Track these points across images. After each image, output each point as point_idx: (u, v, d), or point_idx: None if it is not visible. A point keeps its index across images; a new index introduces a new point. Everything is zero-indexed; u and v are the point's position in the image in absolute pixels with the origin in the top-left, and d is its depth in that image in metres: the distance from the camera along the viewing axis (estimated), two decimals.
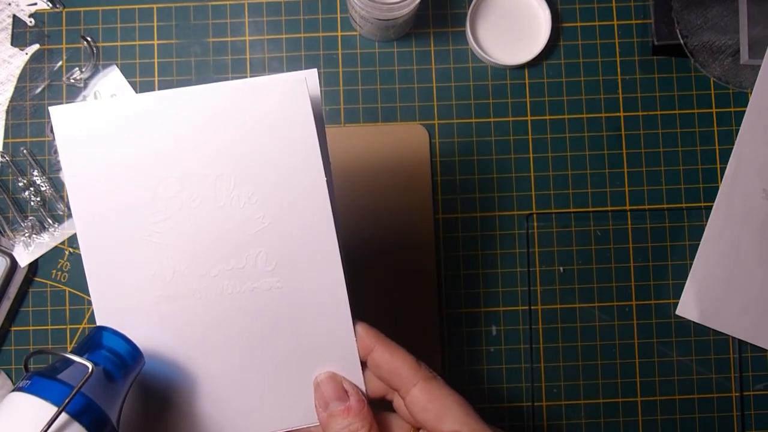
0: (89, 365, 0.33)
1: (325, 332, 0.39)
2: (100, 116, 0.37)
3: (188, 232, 0.38)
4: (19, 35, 0.58)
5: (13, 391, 0.33)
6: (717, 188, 0.57)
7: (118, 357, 0.36)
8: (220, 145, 0.38)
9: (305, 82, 0.37)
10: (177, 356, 0.39)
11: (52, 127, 0.57)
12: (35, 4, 0.59)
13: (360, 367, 0.40)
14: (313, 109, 0.38)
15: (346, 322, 0.39)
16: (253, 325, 0.39)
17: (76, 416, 0.32)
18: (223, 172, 0.38)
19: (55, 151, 0.57)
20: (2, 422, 0.32)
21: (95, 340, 0.36)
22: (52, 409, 0.31)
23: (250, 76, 0.58)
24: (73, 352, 0.34)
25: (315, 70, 0.39)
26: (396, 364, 0.39)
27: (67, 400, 0.32)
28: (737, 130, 0.57)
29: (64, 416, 0.32)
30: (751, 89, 0.58)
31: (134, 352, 0.36)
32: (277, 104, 0.37)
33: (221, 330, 0.39)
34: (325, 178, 0.38)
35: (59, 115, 0.37)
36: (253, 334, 0.39)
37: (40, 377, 0.33)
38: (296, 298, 0.39)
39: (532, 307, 0.57)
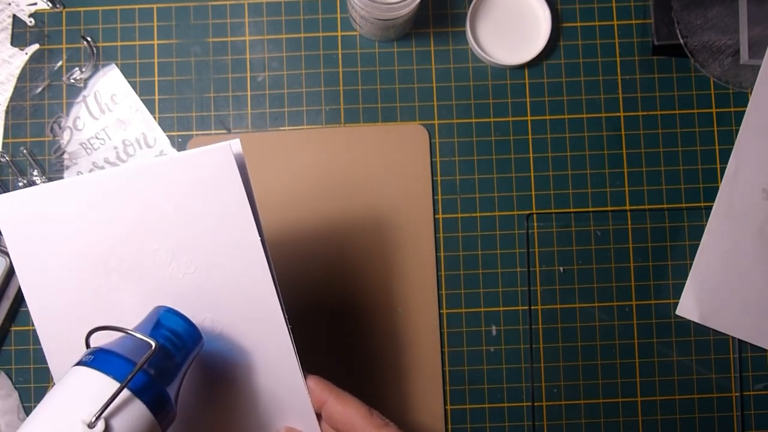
0: (152, 342, 0.33)
1: (278, 389, 0.40)
2: (39, 202, 0.38)
3: (134, 305, 0.39)
4: (19, 35, 0.58)
5: (76, 365, 0.32)
6: (717, 188, 0.57)
7: (178, 336, 0.36)
8: (155, 220, 0.39)
9: (230, 149, 0.38)
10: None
11: (52, 127, 0.58)
12: (35, 4, 0.59)
13: (316, 420, 0.41)
14: (240, 175, 0.39)
15: (297, 377, 0.40)
16: (207, 387, 0.40)
17: (138, 393, 0.32)
18: (159, 246, 0.39)
19: (55, 151, 0.57)
20: (64, 395, 0.31)
21: (155, 320, 0.36)
22: (115, 385, 0.31)
23: (250, 76, 0.58)
24: (134, 330, 0.34)
25: (238, 139, 0.40)
26: (349, 415, 0.40)
27: (130, 376, 0.31)
28: (737, 130, 0.57)
29: (125, 392, 0.31)
30: (751, 89, 0.58)
31: (193, 332, 0.36)
32: (204, 176, 0.38)
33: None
34: (260, 238, 0.39)
35: (1, 204, 0.38)
36: (208, 396, 0.40)
37: (103, 352, 0.32)
38: (246, 359, 0.40)
39: (532, 307, 0.57)
